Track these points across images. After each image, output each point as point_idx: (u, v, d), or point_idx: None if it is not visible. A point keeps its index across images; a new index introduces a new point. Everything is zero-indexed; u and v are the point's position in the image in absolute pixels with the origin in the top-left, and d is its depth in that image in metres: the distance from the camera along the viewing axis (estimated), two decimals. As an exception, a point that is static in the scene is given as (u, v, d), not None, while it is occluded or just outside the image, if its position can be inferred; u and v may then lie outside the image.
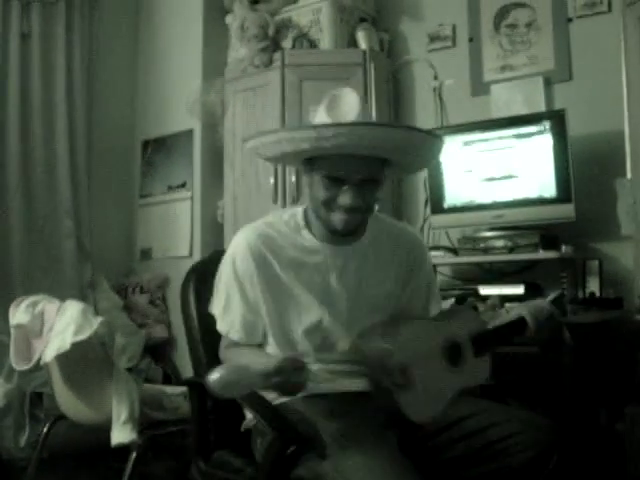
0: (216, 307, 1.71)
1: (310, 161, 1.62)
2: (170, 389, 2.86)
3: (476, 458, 1.51)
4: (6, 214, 3.42)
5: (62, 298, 2.61)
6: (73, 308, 2.48)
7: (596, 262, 2.79)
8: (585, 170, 2.82)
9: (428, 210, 3.22)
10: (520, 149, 2.92)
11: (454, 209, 3.09)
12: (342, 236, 1.64)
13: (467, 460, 1.53)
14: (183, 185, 3.81)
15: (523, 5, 3.24)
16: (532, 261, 2.92)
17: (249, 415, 1.68)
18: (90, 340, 2.40)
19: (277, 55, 3.43)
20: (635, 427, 2.29)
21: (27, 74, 3.55)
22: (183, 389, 2.63)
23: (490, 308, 2.63)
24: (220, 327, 1.70)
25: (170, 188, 3.88)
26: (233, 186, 3.56)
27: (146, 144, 4.04)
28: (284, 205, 3.29)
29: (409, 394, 1.46)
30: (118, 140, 4.05)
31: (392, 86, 3.55)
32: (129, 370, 2.77)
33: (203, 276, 1.88)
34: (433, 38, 3.50)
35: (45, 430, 2.79)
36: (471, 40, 3.39)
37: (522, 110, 3.10)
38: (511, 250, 2.85)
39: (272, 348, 1.66)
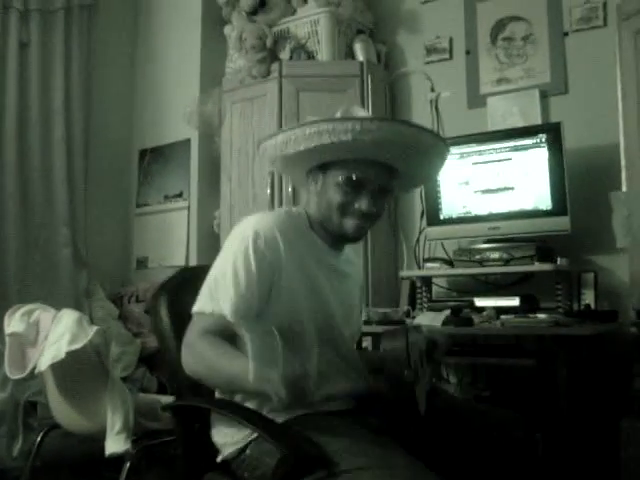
0: (206, 286, 1.59)
1: (323, 166, 1.63)
2: (165, 399, 2.84)
3: (462, 453, 1.57)
4: (2, 222, 3.41)
5: (57, 307, 2.60)
6: (68, 317, 2.47)
7: (591, 274, 2.79)
8: (580, 183, 2.83)
9: (424, 222, 3.23)
10: (516, 161, 2.93)
11: (450, 221, 3.10)
12: (350, 242, 1.68)
13: (455, 455, 1.57)
14: (180, 195, 3.82)
15: (520, 19, 3.27)
16: (527, 273, 2.93)
17: (224, 444, 1.58)
18: (85, 349, 2.39)
19: (275, 66, 3.44)
20: (630, 439, 2.29)
21: (25, 83, 3.55)
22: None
23: (486, 319, 2.64)
24: (203, 306, 1.55)
25: (167, 198, 3.89)
26: (230, 196, 3.56)
27: (143, 153, 4.05)
28: (280, 215, 3.29)
29: (419, 388, 1.55)
30: (115, 149, 4.05)
31: (389, 98, 3.57)
32: (124, 379, 2.76)
33: (175, 295, 1.75)
34: (430, 50, 3.52)
35: (39, 439, 2.77)
36: (468, 53, 3.41)
37: (518, 123, 3.12)
38: (507, 262, 2.86)
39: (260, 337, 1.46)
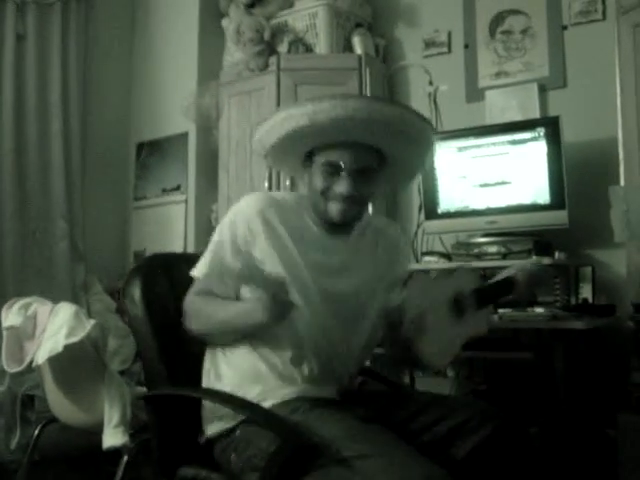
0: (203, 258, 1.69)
1: (310, 154, 1.66)
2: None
3: (441, 444, 1.57)
4: (-1, 215, 3.41)
5: (55, 300, 2.60)
6: (66, 310, 2.47)
7: (589, 269, 2.80)
8: (579, 177, 2.83)
9: (422, 216, 3.22)
10: (514, 155, 2.93)
11: (448, 215, 3.10)
12: (338, 226, 1.68)
13: (434, 446, 1.56)
14: (177, 188, 3.81)
15: (518, 12, 3.26)
16: (525, 267, 2.92)
17: (210, 426, 1.62)
18: (82, 342, 2.39)
19: (273, 59, 3.43)
20: (627, 433, 2.29)
21: (22, 75, 3.55)
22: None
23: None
24: (197, 270, 1.66)
25: (164, 191, 3.88)
26: (227, 189, 3.56)
27: (141, 147, 4.04)
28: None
29: (425, 340, 1.55)
30: (113, 142, 4.04)
31: (387, 91, 3.56)
32: (121, 373, 2.75)
33: (150, 277, 1.78)
34: (428, 44, 3.51)
35: (36, 433, 2.77)
36: (466, 46, 3.40)
37: (516, 116, 3.12)
38: (504, 256, 2.85)
39: None
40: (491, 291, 1.79)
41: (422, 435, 1.58)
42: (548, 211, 2.82)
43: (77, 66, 3.75)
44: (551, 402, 2.45)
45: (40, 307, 2.55)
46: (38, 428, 2.78)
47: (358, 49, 3.43)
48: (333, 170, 1.61)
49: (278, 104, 3.35)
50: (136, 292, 1.74)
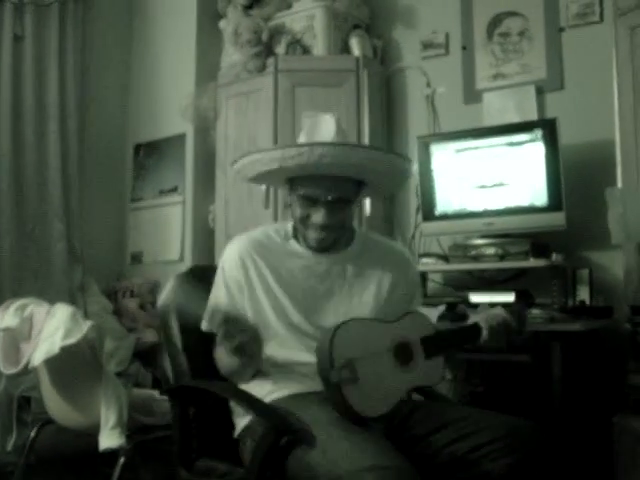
0: (206, 312, 1.78)
1: (291, 181, 1.76)
2: (159, 394, 2.84)
3: (461, 463, 1.52)
4: (-3, 216, 3.40)
5: (52, 301, 2.59)
6: (62, 312, 2.46)
7: (586, 271, 2.79)
8: (576, 179, 2.83)
9: (419, 217, 3.22)
10: (512, 157, 2.93)
11: (445, 216, 3.10)
12: (318, 252, 1.77)
13: (453, 465, 1.53)
14: (175, 189, 3.81)
15: (516, 14, 3.26)
16: (523, 269, 2.93)
17: (240, 423, 1.70)
18: (79, 344, 2.39)
19: (270, 60, 3.43)
20: (623, 436, 2.29)
21: (19, 76, 3.54)
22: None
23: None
24: (205, 326, 1.77)
25: (162, 192, 3.87)
26: (225, 191, 3.56)
27: (138, 148, 4.03)
28: (275, 210, 3.29)
29: (356, 389, 1.49)
30: (110, 143, 4.04)
31: (385, 93, 3.56)
32: (118, 374, 2.75)
33: (186, 284, 1.91)
34: (426, 45, 3.51)
35: (33, 434, 2.77)
36: (464, 48, 3.40)
37: (514, 118, 3.12)
38: (502, 258, 2.86)
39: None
40: (451, 338, 1.75)
41: (444, 449, 1.55)
42: (545, 213, 2.82)
43: (75, 67, 3.73)
44: (548, 404, 2.44)
45: (37, 308, 2.55)
46: (34, 430, 2.77)
47: (356, 51, 3.43)
48: (309, 202, 1.70)
49: (275, 106, 3.35)
50: (170, 295, 1.89)
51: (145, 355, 3.55)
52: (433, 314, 2.59)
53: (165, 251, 3.78)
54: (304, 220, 1.72)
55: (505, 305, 1.85)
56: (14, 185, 3.47)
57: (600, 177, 2.86)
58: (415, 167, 3.04)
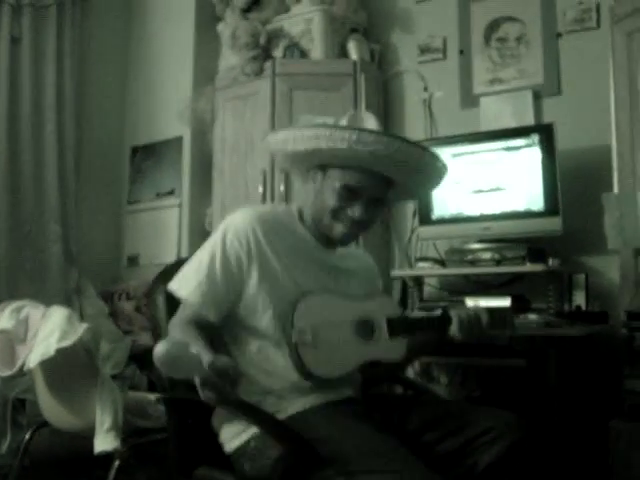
0: (184, 271, 1.70)
1: (323, 168, 1.68)
2: (155, 397, 2.83)
3: (459, 455, 1.56)
4: (-7, 218, 3.40)
5: (47, 303, 2.59)
6: (58, 314, 2.46)
7: (582, 276, 2.80)
8: (572, 184, 2.83)
9: (416, 221, 3.23)
10: (508, 162, 2.93)
11: (442, 221, 3.10)
12: (337, 245, 1.74)
13: (451, 457, 1.56)
14: (171, 192, 3.80)
15: (513, 19, 3.27)
16: (519, 274, 2.93)
17: (229, 437, 1.63)
18: (75, 346, 2.38)
19: (268, 64, 3.43)
20: (620, 441, 2.29)
21: (17, 78, 3.53)
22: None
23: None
24: (178, 287, 1.67)
25: (158, 195, 3.87)
26: (222, 194, 3.55)
27: (135, 150, 4.03)
28: (272, 214, 3.29)
29: (312, 350, 1.56)
30: (107, 146, 4.03)
31: (382, 97, 3.57)
32: (114, 377, 2.74)
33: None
34: (424, 50, 3.52)
35: (27, 437, 2.76)
36: (461, 52, 3.41)
37: (511, 123, 3.12)
38: (498, 262, 2.86)
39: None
40: (416, 323, 1.79)
41: (438, 445, 1.57)
42: (542, 218, 2.82)
43: (72, 69, 3.73)
44: (544, 409, 2.44)
45: (32, 310, 2.54)
46: (29, 432, 2.77)
47: (353, 54, 3.44)
48: (350, 194, 1.63)
49: (273, 109, 3.35)
50: (159, 296, 1.81)
51: (141, 358, 3.53)
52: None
53: (162, 254, 3.77)
54: (336, 212, 1.65)
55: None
56: (10, 187, 3.46)
57: (596, 182, 2.86)
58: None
